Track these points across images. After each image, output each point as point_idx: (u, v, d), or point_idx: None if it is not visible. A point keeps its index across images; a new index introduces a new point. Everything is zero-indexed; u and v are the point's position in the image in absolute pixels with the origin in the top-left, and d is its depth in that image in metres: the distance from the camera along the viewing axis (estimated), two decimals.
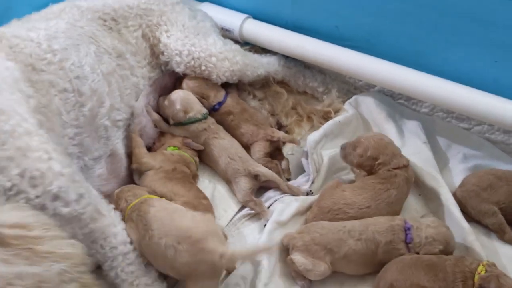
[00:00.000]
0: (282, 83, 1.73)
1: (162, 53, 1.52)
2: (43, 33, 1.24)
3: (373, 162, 1.31)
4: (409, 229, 1.18)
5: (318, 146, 1.47)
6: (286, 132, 1.59)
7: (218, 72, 1.52)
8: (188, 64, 1.51)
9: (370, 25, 1.54)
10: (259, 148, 1.46)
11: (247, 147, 1.48)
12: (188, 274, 1.08)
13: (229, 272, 1.19)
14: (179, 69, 1.52)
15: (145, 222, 1.13)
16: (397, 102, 1.64)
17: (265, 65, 1.65)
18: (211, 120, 1.49)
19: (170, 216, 1.13)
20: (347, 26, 1.59)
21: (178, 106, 1.45)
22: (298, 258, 1.17)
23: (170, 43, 1.50)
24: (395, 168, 1.29)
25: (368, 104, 1.61)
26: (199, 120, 1.46)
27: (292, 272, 1.21)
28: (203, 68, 1.51)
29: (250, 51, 1.72)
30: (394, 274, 1.10)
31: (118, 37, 1.44)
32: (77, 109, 1.24)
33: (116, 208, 1.18)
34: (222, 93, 1.57)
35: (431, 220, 1.23)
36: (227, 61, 1.53)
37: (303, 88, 1.72)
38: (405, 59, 1.50)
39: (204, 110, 1.49)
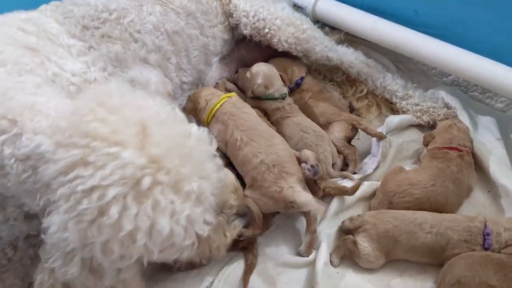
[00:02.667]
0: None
1: (232, 14, 1.51)
2: None
3: (430, 139, 1.39)
4: (488, 234, 1.14)
5: (392, 131, 1.45)
6: (358, 115, 1.55)
7: (281, 35, 1.48)
8: (253, 25, 1.48)
9: (453, 12, 1.48)
10: (340, 129, 1.41)
11: (323, 127, 1.44)
12: (255, 185, 1.19)
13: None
14: (246, 31, 1.50)
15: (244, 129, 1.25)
16: (471, 94, 1.59)
17: (339, 52, 1.59)
18: (288, 100, 1.46)
19: (270, 137, 1.25)
20: (428, 11, 1.53)
21: (259, 81, 1.43)
22: (365, 245, 1.16)
23: (240, 4, 1.49)
24: (445, 147, 1.31)
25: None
26: (276, 99, 1.44)
27: (338, 247, 1.19)
28: (266, 30, 1.48)
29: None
30: (462, 270, 1.07)
31: None
32: (145, 55, 1.30)
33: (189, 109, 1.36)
34: (304, 69, 1.55)
35: (505, 220, 1.19)
36: (293, 27, 1.49)
37: (381, 90, 1.61)
38: (485, 50, 1.43)
39: (284, 90, 1.46)
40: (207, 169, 0.88)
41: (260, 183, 1.18)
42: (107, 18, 1.26)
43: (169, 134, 0.84)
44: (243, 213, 1.09)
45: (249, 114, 1.32)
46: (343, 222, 1.23)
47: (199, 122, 1.34)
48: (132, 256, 0.81)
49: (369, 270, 1.18)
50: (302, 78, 1.53)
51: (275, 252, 1.21)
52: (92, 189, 0.77)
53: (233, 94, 1.38)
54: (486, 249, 1.14)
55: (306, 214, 1.19)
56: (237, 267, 1.17)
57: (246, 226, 1.11)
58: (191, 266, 1.16)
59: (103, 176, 0.77)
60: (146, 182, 0.78)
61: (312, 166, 1.22)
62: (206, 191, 0.86)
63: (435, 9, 1.51)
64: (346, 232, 1.22)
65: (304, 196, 1.14)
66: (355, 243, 1.17)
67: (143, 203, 0.78)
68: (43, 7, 1.25)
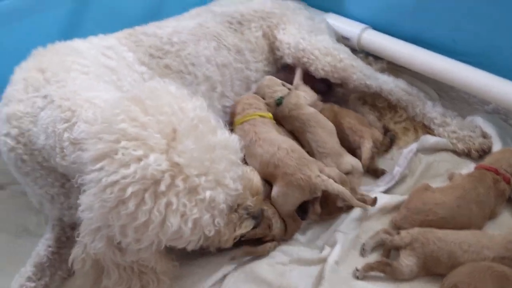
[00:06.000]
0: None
1: (278, 48, 1.70)
2: (169, 30, 1.52)
3: None
4: None
5: (425, 150, 1.53)
6: (393, 136, 1.61)
7: (318, 64, 1.63)
8: (294, 55, 1.66)
9: (489, 39, 1.53)
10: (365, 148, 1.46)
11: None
12: (282, 176, 1.27)
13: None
14: (289, 60, 1.68)
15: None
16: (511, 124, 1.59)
17: (379, 80, 1.67)
18: (287, 107, 1.52)
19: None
20: (465, 40, 1.59)
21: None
22: (409, 263, 1.18)
23: (284, 38, 1.68)
24: (484, 167, 1.33)
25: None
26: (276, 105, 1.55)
27: (370, 267, 1.20)
28: (305, 59, 1.64)
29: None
30: (461, 276, 1.09)
31: (240, 36, 1.66)
32: (194, 87, 1.48)
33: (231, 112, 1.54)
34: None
35: None
36: (330, 56, 1.63)
37: (420, 117, 1.66)
38: None
39: (276, 96, 1.55)
40: (225, 180, 1.00)
41: (283, 169, 1.27)
42: (169, 50, 1.48)
43: (195, 144, 0.96)
44: (256, 215, 1.21)
45: (269, 129, 1.43)
46: (391, 239, 1.23)
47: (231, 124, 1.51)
48: (144, 241, 0.96)
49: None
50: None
51: (291, 248, 1.30)
52: (115, 183, 0.92)
53: (268, 115, 1.51)
54: None
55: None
56: (255, 260, 1.27)
57: (255, 227, 1.23)
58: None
59: (126, 175, 0.91)
60: (164, 184, 0.92)
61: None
62: (219, 200, 0.98)
63: (472, 38, 1.56)
64: (390, 247, 1.24)
65: (333, 184, 1.25)
66: (388, 264, 1.20)
67: (158, 201, 0.92)
68: (118, 34, 1.49)
